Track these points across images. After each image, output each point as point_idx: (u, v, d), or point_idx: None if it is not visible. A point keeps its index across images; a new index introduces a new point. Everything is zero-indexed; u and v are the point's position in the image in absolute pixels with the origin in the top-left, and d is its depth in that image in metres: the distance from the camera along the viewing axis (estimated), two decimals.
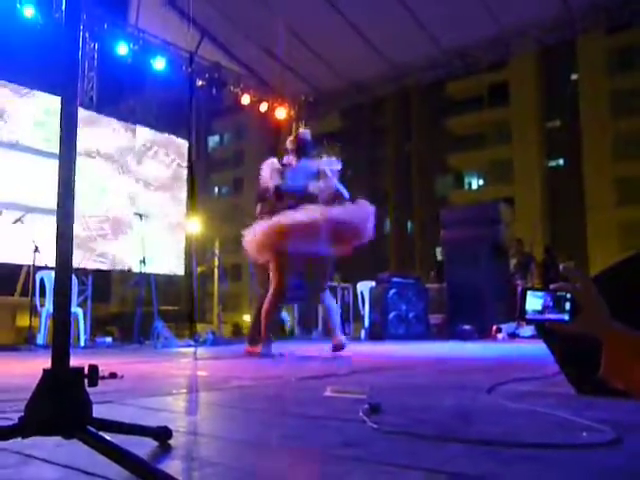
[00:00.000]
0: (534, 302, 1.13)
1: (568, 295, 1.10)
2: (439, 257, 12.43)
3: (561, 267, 1.16)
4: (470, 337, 8.55)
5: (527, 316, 1.14)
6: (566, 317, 1.10)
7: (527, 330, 8.57)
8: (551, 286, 1.13)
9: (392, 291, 9.10)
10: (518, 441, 1.43)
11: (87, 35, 8.85)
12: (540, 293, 1.13)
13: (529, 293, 1.14)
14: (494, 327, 8.86)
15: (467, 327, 8.80)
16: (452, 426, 1.69)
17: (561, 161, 36.48)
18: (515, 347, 6.34)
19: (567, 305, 1.10)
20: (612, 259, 2.49)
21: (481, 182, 39.46)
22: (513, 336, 8.72)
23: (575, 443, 1.40)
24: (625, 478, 1.14)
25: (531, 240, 11.90)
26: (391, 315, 8.99)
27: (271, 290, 4.99)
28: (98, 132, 8.63)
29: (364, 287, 9.85)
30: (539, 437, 1.49)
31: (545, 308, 1.12)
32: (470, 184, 40.25)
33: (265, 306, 5.01)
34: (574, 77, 34.62)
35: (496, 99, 36.98)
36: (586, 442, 1.41)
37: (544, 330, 2.39)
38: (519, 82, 35.48)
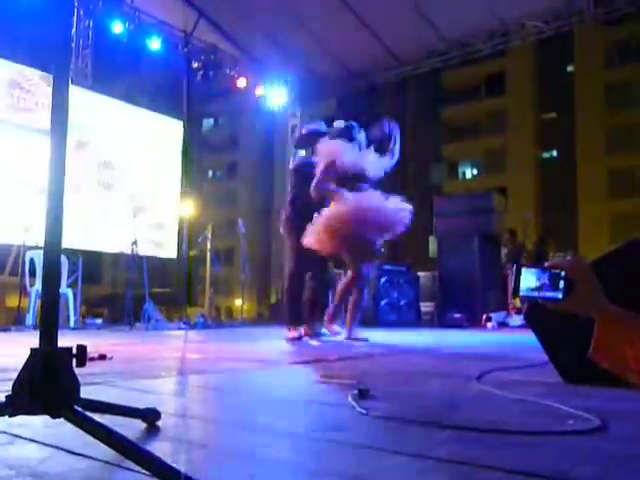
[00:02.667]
0: (529, 279, 1.12)
1: (562, 273, 1.09)
2: (431, 254, 12.46)
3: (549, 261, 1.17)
4: (460, 325, 8.60)
5: (521, 293, 1.13)
6: (560, 295, 1.10)
7: (516, 319, 8.63)
8: (546, 264, 1.13)
9: (384, 278, 9.12)
10: (505, 428, 1.44)
11: (82, 12, 8.75)
12: (535, 270, 1.12)
13: (524, 270, 1.13)
14: (484, 316, 8.91)
15: (457, 315, 8.85)
16: (440, 412, 1.70)
17: (555, 152, 36.53)
18: (504, 336, 6.38)
19: (561, 283, 1.09)
20: (603, 251, 2.50)
21: (475, 172, 39.47)
22: (503, 325, 8.77)
23: (561, 430, 1.41)
24: (609, 463, 1.15)
25: (523, 230, 11.93)
26: (382, 302, 9.02)
27: (350, 275, 5.04)
28: (92, 110, 8.54)
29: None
30: (526, 424, 1.50)
31: (540, 286, 1.12)
32: (464, 173, 40.26)
33: (343, 287, 5.10)
34: (570, 69, 34.58)
35: (493, 89, 36.90)
36: (572, 429, 1.42)
37: (533, 319, 2.41)
38: (516, 73, 35.40)
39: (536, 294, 1.12)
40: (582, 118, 32.76)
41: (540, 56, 34.73)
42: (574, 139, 33.17)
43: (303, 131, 6.03)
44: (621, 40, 31.53)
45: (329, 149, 5.05)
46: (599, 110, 32.07)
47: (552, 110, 35.99)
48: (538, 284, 1.12)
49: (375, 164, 5.24)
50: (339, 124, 5.43)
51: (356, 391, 1.83)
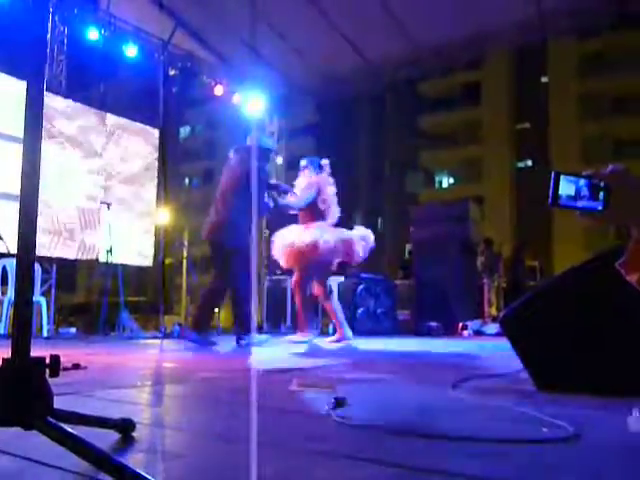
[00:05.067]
0: (567, 187, 1.06)
1: (602, 184, 1.04)
2: (407, 255, 12.51)
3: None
4: (436, 334, 8.65)
5: (560, 202, 1.06)
6: (600, 207, 1.04)
7: (492, 327, 8.71)
8: (584, 173, 1.07)
9: (361, 287, 9.14)
10: (480, 436, 1.45)
11: (57, 18, 8.66)
12: (573, 178, 1.06)
13: (562, 177, 1.06)
14: (460, 324, 8.98)
15: (434, 324, 8.89)
16: (416, 421, 1.71)
17: (530, 162, 37.05)
18: (480, 344, 6.42)
19: (601, 194, 1.04)
20: (577, 260, 2.54)
21: (451, 181, 39.84)
22: (478, 333, 8.84)
23: (535, 438, 1.42)
24: (580, 472, 1.16)
25: (500, 239, 12.06)
26: (359, 311, 9.03)
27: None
28: (67, 118, 8.45)
29: (333, 282, 9.85)
30: (501, 432, 1.51)
31: (578, 195, 1.06)
32: (441, 182, 40.61)
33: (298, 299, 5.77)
34: (544, 80, 35.15)
35: (468, 99, 37.33)
36: (546, 437, 1.43)
37: (508, 327, 2.43)
38: (492, 83, 35.87)
39: (575, 204, 1.06)
40: (556, 128, 33.29)
41: (515, 67, 35.28)
42: (548, 149, 33.69)
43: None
44: (594, 52, 32.15)
45: (316, 179, 5.97)
46: (572, 121, 32.64)
47: (526, 120, 36.53)
48: (577, 193, 1.06)
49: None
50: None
51: (333, 400, 1.83)
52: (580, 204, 1.06)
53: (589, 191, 1.05)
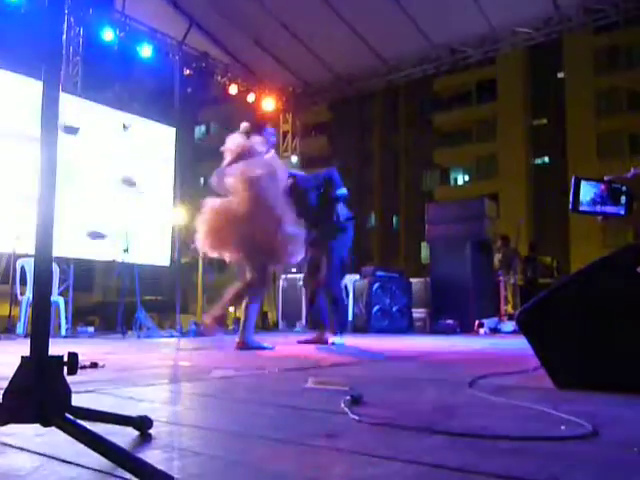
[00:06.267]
0: (588, 191, 1.05)
1: (624, 188, 1.03)
2: (423, 260, 12.45)
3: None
4: (453, 332, 8.61)
5: (581, 207, 1.05)
6: (622, 211, 1.03)
7: (509, 325, 8.65)
8: (606, 177, 1.06)
9: (376, 285, 9.12)
10: (497, 434, 1.44)
11: (72, 20, 8.74)
12: (595, 183, 1.05)
13: (583, 183, 1.05)
14: (476, 322, 8.92)
15: (450, 322, 8.85)
16: (433, 418, 1.70)
17: (546, 158, 36.72)
18: (496, 342, 6.39)
19: (623, 199, 1.03)
20: (593, 257, 2.51)
21: (467, 178, 39.61)
22: (495, 331, 8.79)
23: (553, 436, 1.41)
24: (600, 469, 1.15)
25: (516, 237, 11.97)
26: (375, 309, 9.02)
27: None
28: (83, 118, 8.52)
29: (348, 281, 9.84)
30: (518, 430, 1.50)
31: (599, 199, 1.04)
32: (456, 180, 40.39)
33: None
34: (561, 75, 34.82)
35: (484, 96, 37.09)
36: (564, 435, 1.42)
37: (525, 325, 2.41)
38: (507, 79, 35.59)
39: (597, 209, 1.05)
40: (573, 124, 32.97)
41: (530, 63, 34.98)
42: (565, 145, 33.37)
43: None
44: (610, 47, 31.81)
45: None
46: (589, 116, 32.31)
47: (543, 116, 36.21)
48: (598, 197, 1.04)
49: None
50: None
51: (349, 397, 1.83)
52: (601, 209, 1.04)
53: (610, 196, 1.04)
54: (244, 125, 5.17)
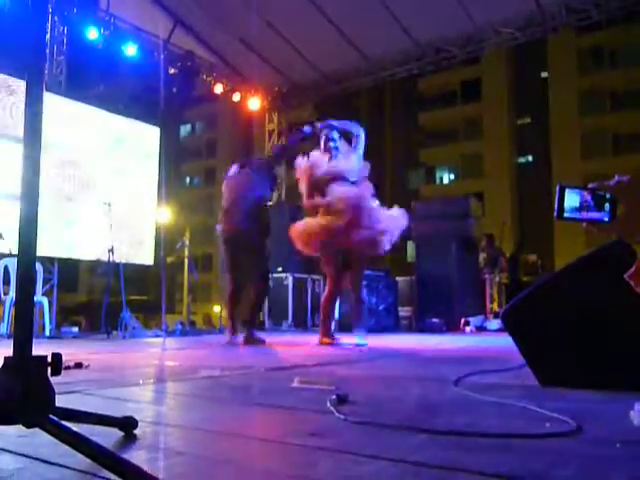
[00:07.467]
0: (572, 199, 1.04)
1: (608, 195, 1.03)
2: (409, 259, 12.49)
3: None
4: (439, 330, 8.64)
5: (566, 215, 1.05)
6: (606, 218, 1.03)
7: (494, 323, 8.71)
8: (590, 185, 1.06)
9: (362, 283, 9.13)
10: (482, 431, 1.45)
11: (56, 19, 8.66)
12: (578, 191, 1.04)
13: (567, 190, 1.04)
14: (462, 320, 8.97)
15: (436, 320, 8.88)
16: (418, 417, 1.71)
17: (530, 157, 37.01)
18: (482, 340, 6.43)
19: (607, 205, 1.03)
20: (577, 255, 2.53)
21: (452, 177, 39.82)
22: (481, 329, 8.84)
23: (538, 433, 1.43)
24: (584, 465, 1.17)
25: (500, 235, 12.06)
26: None
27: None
28: (66, 117, 8.44)
29: None
30: (503, 427, 1.51)
31: (583, 206, 1.04)
32: (441, 179, 40.59)
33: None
34: (545, 75, 35.11)
35: (468, 95, 37.29)
36: (548, 432, 1.44)
37: (510, 322, 2.43)
38: (491, 79, 35.83)
39: (581, 215, 1.05)
40: (556, 123, 33.25)
41: (515, 62, 35.23)
42: (549, 144, 33.65)
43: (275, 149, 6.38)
44: (593, 47, 32.13)
45: (303, 167, 5.31)
46: (573, 115, 32.60)
47: (527, 116, 36.48)
48: (582, 204, 1.04)
49: (353, 165, 5.47)
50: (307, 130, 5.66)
51: (335, 397, 1.83)
52: (586, 216, 1.05)
53: (595, 203, 1.05)
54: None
